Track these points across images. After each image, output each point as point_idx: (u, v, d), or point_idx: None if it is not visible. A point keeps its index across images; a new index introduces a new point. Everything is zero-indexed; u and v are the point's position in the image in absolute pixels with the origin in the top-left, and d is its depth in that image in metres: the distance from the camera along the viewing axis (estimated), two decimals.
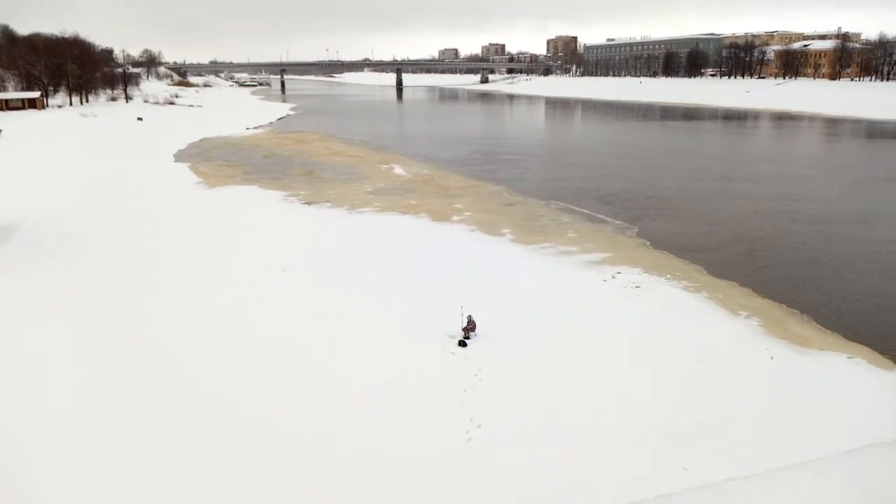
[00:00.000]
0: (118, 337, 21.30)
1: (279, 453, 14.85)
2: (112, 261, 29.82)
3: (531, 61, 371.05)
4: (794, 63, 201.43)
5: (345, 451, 14.95)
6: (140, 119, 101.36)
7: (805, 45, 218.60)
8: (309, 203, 43.05)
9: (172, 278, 27.26)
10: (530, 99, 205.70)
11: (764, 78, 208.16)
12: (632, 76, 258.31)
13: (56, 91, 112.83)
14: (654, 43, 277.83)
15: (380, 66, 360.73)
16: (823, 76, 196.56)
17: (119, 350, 20.30)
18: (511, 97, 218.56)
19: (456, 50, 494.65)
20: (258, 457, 14.73)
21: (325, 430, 15.81)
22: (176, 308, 23.83)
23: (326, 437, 15.53)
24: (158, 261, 29.80)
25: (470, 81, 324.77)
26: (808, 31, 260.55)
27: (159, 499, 13.47)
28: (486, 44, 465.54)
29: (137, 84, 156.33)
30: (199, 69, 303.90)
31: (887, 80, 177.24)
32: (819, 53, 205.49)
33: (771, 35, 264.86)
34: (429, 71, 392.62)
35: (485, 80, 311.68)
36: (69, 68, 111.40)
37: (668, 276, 27.81)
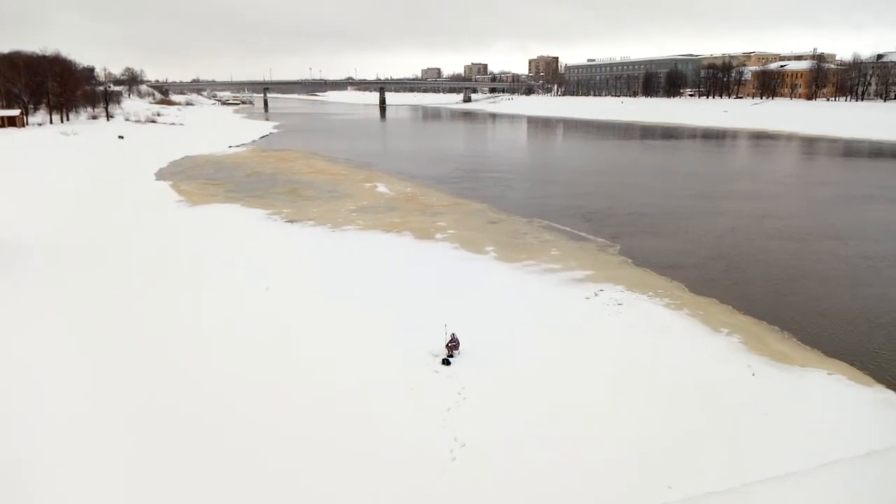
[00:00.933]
0: (108, 350, 21.02)
1: (262, 473, 14.70)
2: (94, 279, 29.45)
3: (513, 81, 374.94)
4: (770, 83, 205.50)
5: (326, 476, 14.81)
6: (121, 137, 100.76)
7: (782, 66, 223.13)
8: (292, 221, 42.94)
9: (154, 298, 26.96)
10: (512, 118, 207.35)
11: (741, 98, 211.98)
12: (612, 96, 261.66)
13: (36, 109, 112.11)
14: (633, 63, 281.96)
15: (363, 85, 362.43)
16: (800, 96, 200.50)
17: (110, 363, 20.02)
18: (493, 116, 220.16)
19: (439, 69, 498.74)
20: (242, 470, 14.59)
21: (306, 453, 15.67)
22: (159, 327, 23.56)
23: (308, 460, 15.39)
24: (140, 281, 29.49)
25: (453, 100, 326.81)
26: (784, 51, 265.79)
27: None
28: (469, 63, 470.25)
29: (119, 102, 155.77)
30: (182, 87, 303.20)
31: (861, 100, 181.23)
32: (795, 74, 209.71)
33: (748, 56, 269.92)
34: (412, 90, 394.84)
35: (467, 99, 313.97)
36: (50, 86, 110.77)
37: (650, 293, 28.02)
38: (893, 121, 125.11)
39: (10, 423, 16.63)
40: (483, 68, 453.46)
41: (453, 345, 20.93)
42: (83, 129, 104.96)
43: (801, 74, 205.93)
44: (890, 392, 19.14)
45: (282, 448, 15.74)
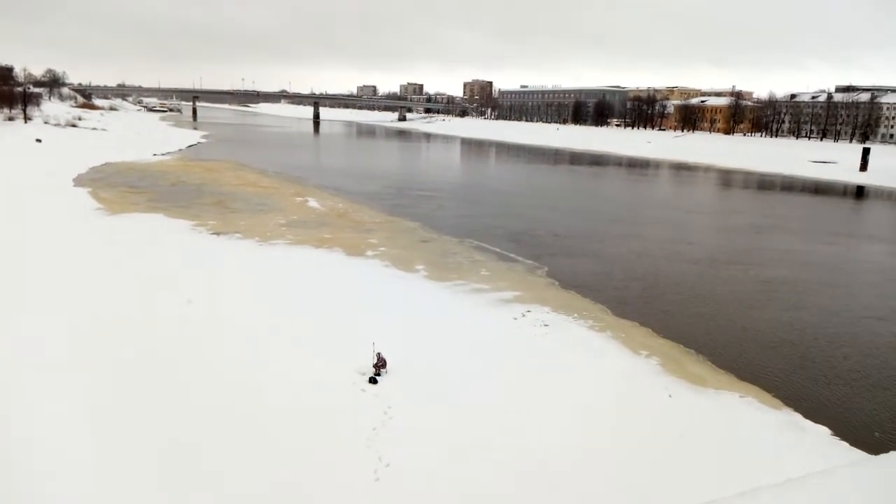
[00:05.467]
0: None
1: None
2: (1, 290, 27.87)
3: (448, 102, 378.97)
4: (692, 117, 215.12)
5: (249, 494, 14.40)
6: (39, 141, 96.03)
7: (702, 101, 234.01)
8: (218, 233, 41.84)
9: (61, 307, 25.63)
10: (447, 138, 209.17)
11: (664, 130, 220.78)
12: (543, 122, 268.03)
13: None
14: (564, 92, 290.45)
15: (297, 99, 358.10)
16: (719, 130, 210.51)
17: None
18: (428, 136, 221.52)
19: (374, 87, 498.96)
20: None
21: (231, 470, 15.19)
22: (66, 339, 22.40)
23: (232, 477, 14.92)
24: (49, 290, 28.01)
25: (388, 118, 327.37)
26: (705, 87, 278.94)
27: None
28: (405, 83, 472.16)
29: (38, 104, 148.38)
30: (106, 92, 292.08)
31: (776, 136, 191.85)
32: (715, 109, 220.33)
33: (671, 90, 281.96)
34: (347, 106, 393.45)
35: (403, 118, 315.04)
36: None
37: (575, 315, 28.64)
38: (804, 157, 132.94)
39: None
40: (419, 88, 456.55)
41: (380, 363, 20.79)
42: None
43: (721, 110, 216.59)
44: (797, 415, 20.13)
45: (205, 465, 15.20)
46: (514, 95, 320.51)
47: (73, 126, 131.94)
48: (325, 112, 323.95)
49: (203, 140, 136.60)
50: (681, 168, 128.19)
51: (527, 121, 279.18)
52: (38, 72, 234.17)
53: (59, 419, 17.05)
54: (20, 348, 21.53)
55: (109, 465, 15.13)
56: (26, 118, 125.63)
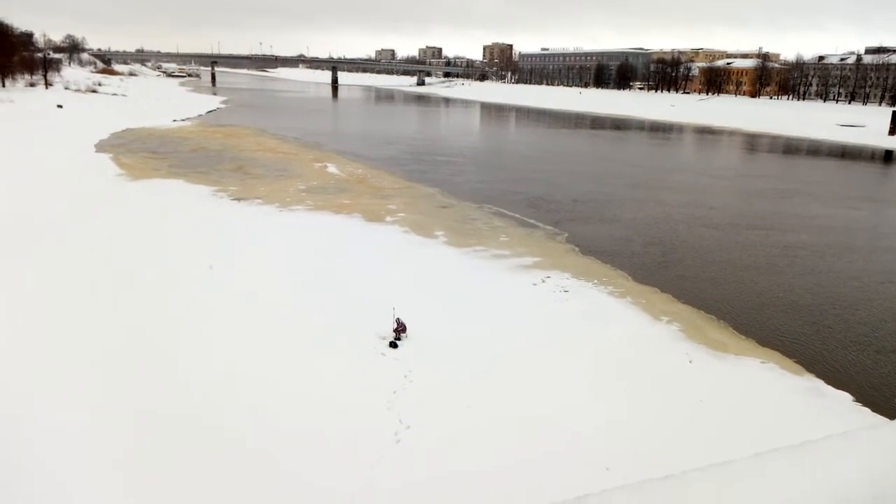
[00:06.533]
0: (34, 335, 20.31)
1: (202, 457, 14.47)
2: (25, 256, 28.34)
3: (468, 66, 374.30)
4: (717, 80, 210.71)
5: (266, 452, 14.69)
6: (60, 106, 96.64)
7: (728, 63, 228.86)
8: (238, 199, 42.07)
9: (87, 273, 26.07)
10: (466, 103, 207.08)
11: (688, 93, 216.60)
12: (564, 85, 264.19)
13: None
14: (586, 54, 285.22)
15: (315, 63, 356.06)
16: (744, 93, 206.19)
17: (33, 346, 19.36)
18: (447, 100, 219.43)
19: (393, 51, 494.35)
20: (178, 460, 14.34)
21: (249, 430, 15.50)
22: (91, 304, 22.82)
23: (250, 435, 15.22)
24: (73, 254, 28.46)
25: (406, 83, 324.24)
26: (731, 49, 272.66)
27: None
28: (424, 46, 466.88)
29: (59, 70, 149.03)
30: (125, 57, 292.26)
31: (803, 99, 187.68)
32: (741, 71, 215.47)
33: (696, 52, 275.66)
34: (365, 70, 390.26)
35: (421, 83, 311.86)
36: None
37: (595, 281, 28.55)
38: (831, 121, 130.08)
39: None
40: (438, 52, 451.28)
41: (400, 328, 20.94)
42: (19, 96, 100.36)
43: (747, 72, 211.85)
44: (819, 381, 20.02)
45: (227, 428, 15.51)
46: (534, 59, 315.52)
47: (94, 92, 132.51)
48: (343, 76, 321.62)
49: (222, 105, 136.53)
50: (705, 132, 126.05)
51: (548, 85, 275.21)
52: (57, 37, 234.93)
53: (70, 391, 17.46)
54: (35, 318, 21.98)
55: (122, 437, 15.51)
56: (47, 84, 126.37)
